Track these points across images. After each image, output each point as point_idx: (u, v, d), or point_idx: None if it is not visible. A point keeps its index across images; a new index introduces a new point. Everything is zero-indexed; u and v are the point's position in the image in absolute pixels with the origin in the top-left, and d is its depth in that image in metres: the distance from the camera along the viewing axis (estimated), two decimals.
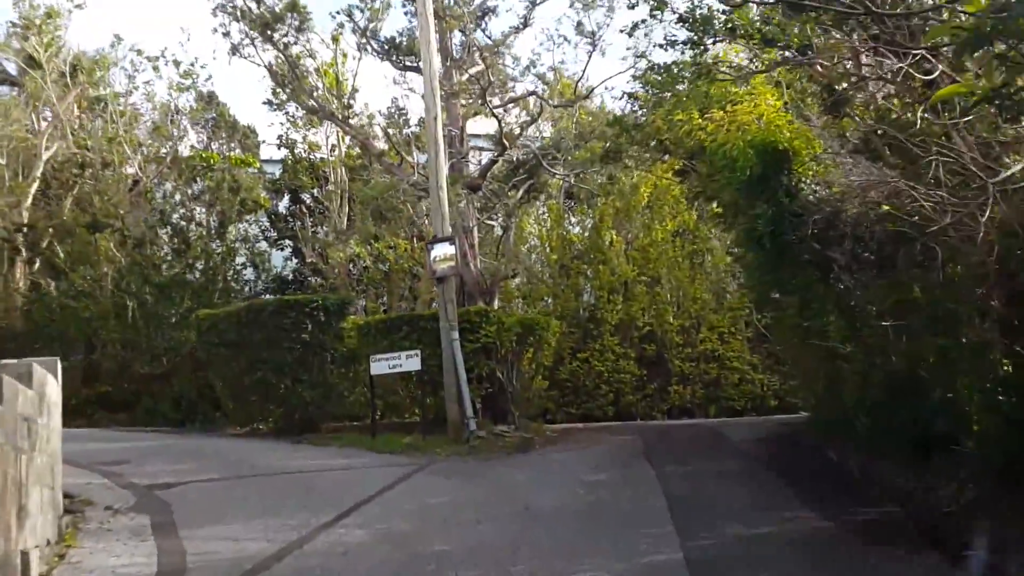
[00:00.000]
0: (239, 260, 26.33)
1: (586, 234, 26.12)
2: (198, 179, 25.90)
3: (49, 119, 25.08)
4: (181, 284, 24.31)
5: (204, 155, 26.41)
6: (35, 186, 25.46)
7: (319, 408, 16.30)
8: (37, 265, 24.64)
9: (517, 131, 18.19)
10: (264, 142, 32.55)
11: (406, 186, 17.30)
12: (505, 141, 17.16)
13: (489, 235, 20.79)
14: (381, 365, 14.84)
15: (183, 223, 25.62)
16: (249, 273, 26.57)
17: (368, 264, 26.45)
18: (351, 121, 17.94)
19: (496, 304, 17.68)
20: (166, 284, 24.20)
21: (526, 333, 16.50)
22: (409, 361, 14.54)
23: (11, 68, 27.28)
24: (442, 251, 14.69)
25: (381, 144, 19.02)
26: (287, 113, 28.31)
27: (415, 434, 14.85)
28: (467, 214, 16.96)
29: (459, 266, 14.69)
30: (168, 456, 12.21)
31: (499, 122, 17.12)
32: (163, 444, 14.14)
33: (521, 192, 19.07)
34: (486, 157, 20.48)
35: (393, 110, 20.76)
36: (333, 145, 27.86)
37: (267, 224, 30.30)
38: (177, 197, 26.57)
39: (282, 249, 31.10)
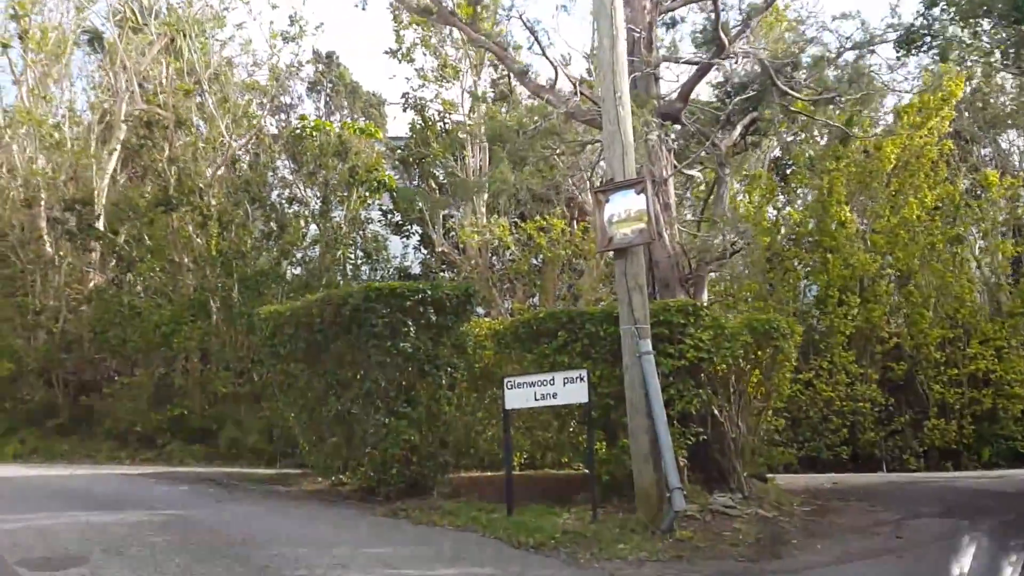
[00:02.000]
0: (350, 248, 22.45)
1: (807, 212, 21.13)
2: (305, 150, 22.16)
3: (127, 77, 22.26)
4: (275, 278, 20.90)
5: (317, 124, 22.71)
6: (114, 158, 22.72)
7: (431, 457, 11.71)
8: (97, 254, 21.67)
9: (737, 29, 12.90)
10: (386, 102, 28.97)
11: (561, 115, 12.39)
12: (723, 36, 11.92)
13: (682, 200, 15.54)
14: (522, 395, 10.16)
15: (281, 201, 22.03)
16: (362, 264, 22.74)
17: (514, 252, 21.83)
18: (480, 23, 13.25)
19: (705, 297, 12.46)
20: (257, 278, 20.76)
21: (758, 343, 11.27)
22: (570, 389, 9.79)
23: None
24: (623, 205, 9.80)
25: (525, 58, 14.22)
26: (413, 62, 24.74)
27: (578, 508, 10.20)
28: (658, 158, 11.86)
29: (652, 230, 9.59)
30: (153, 550, 7.87)
31: (715, 4, 11.93)
32: (173, 517, 9.92)
33: (738, 131, 13.74)
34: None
35: None
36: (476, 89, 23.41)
37: (391, 206, 26.63)
38: (280, 172, 23.00)
39: (407, 237, 27.30)
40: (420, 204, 25.44)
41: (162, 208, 20.74)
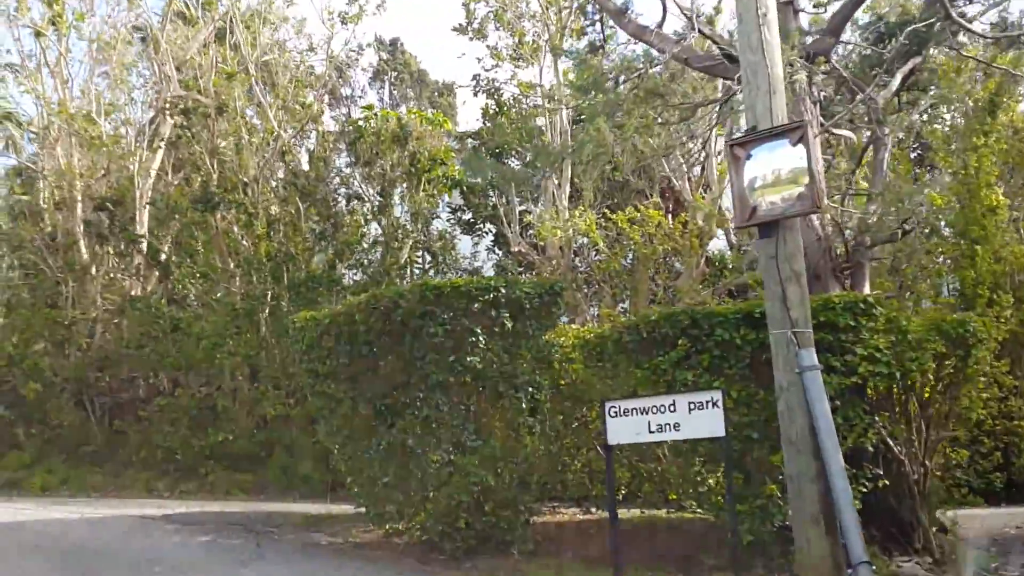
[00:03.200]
0: (411, 247, 20.31)
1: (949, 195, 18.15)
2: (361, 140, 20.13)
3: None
4: (330, 283, 18.90)
5: (384, 114, 20.68)
6: (159, 155, 21.08)
7: (509, 503, 9.35)
8: (137, 260, 19.99)
9: None
10: (454, 85, 26.93)
11: (670, 62, 9.91)
12: None
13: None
14: (630, 425, 7.73)
15: (336, 197, 20.03)
16: (429, 268, 20.59)
17: (603, 250, 19.37)
18: None
19: (867, 291, 9.81)
20: (309, 283, 19.01)
21: (950, 351, 8.60)
22: (697, 417, 7.35)
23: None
24: (771, 162, 7.37)
25: None
26: (485, 38, 22.66)
27: None
28: (804, 110, 9.25)
29: (816, 194, 7.02)
30: None
31: None
32: None
33: (897, 80, 11.06)
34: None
35: None
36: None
37: (460, 202, 24.54)
38: (335, 165, 21.04)
39: (479, 236, 25.13)
40: (493, 198, 23.34)
41: (202, 206, 18.95)
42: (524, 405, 9.65)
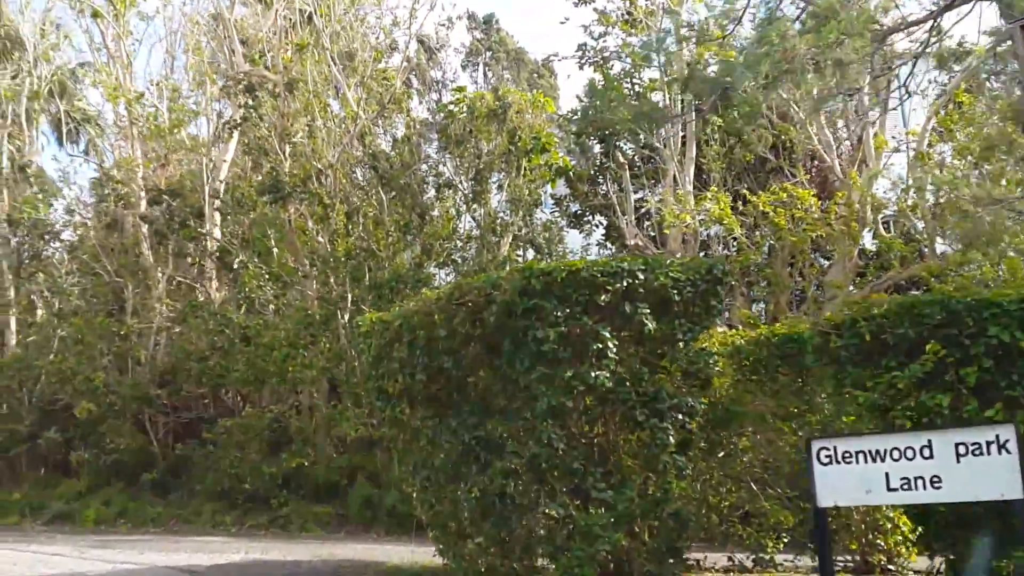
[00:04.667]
0: (511, 240, 17.90)
1: None
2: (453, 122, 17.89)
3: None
4: (417, 283, 16.66)
5: (478, 95, 18.38)
6: (232, 145, 19.34)
7: (651, 571, 6.73)
8: (201, 260, 18.18)
9: None
10: (557, 57, 24.47)
11: None
12: None
13: None
14: (852, 478, 5.03)
15: (422, 185, 17.81)
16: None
17: (740, 240, 16.55)
18: None
19: None
20: (393, 284, 16.87)
21: None
22: (970, 467, 4.47)
23: None
24: None
25: None
26: (593, 1, 20.30)
27: None
28: None
29: None
30: None
31: None
32: None
33: None
34: None
35: None
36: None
37: (567, 191, 22.09)
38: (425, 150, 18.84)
39: (588, 230, 22.60)
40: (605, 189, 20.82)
41: (271, 197, 16.93)
42: (671, 438, 7.00)
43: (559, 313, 6.93)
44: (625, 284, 6.87)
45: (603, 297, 6.90)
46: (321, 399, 17.71)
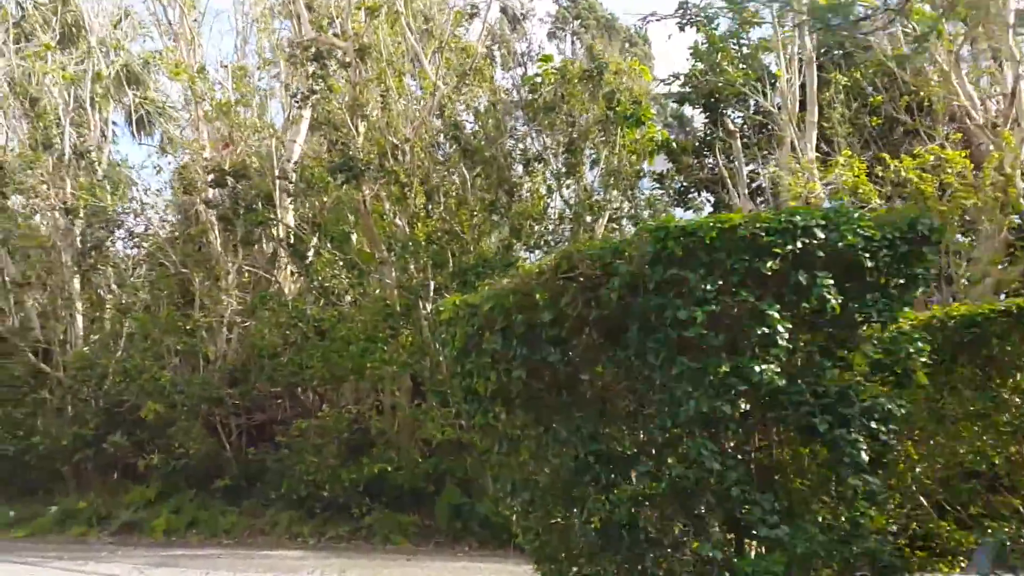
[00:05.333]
0: (609, 219, 16.19)
1: None
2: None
3: None
4: (506, 267, 15.24)
5: (566, 63, 16.75)
6: (304, 126, 18.12)
7: None
8: (270, 247, 16.95)
9: None
10: (654, 17, 22.53)
11: None
12: None
13: None
14: None
15: (509, 160, 16.24)
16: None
17: (876, 209, 14.48)
18: None
19: None
20: (479, 269, 15.37)
21: None
22: None
23: None
24: None
25: None
26: None
27: None
28: None
29: None
30: None
31: None
32: None
33: None
34: None
35: None
36: None
37: (669, 166, 20.24)
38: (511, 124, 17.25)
39: (698, 206, 20.69)
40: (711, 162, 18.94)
41: (343, 176, 15.54)
42: (862, 453, 5.20)
43: (707, 286, 5.21)
44: (799, 245, 5.11)
45: (768, 264, 5.16)
46: (403, 398, 16.28)
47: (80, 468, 17.29)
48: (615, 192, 16.05)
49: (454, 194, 16.23)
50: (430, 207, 16.00)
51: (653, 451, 5.62)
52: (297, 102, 16.65)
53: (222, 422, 16.72)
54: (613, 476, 5.86)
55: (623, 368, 5.78)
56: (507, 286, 6.71)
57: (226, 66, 19.40)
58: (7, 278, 17.80)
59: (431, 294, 15.84)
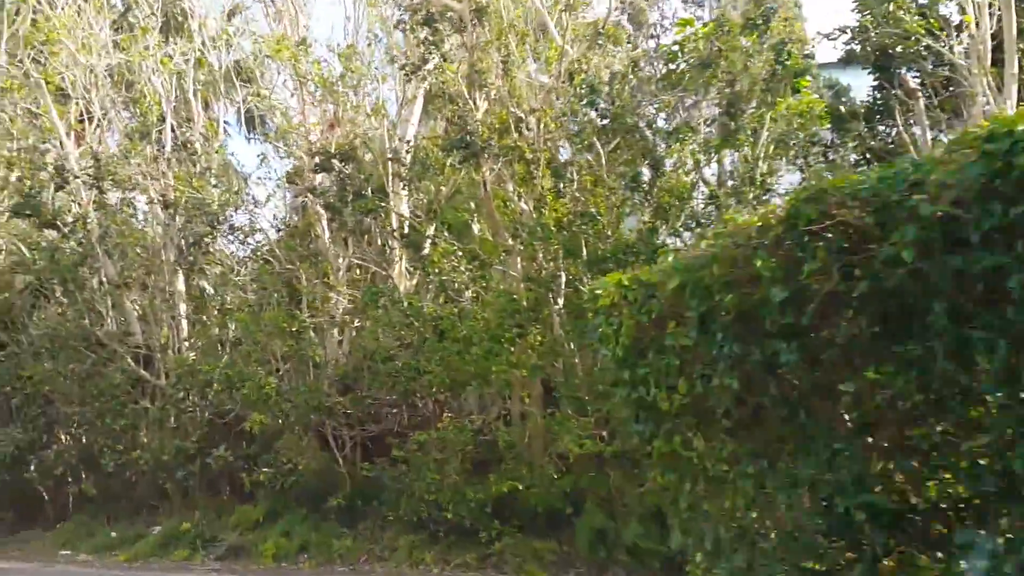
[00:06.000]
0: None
1: None
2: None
3: None
4: (651, 254, 13.22)
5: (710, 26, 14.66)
6: (417, 105, 16.61)
7: None
8: (379, 237, 15.37)
9: None
10: None
11: None
12: None
13: None
14: None
15: (651, 126, 14.22)
16: None
17: None
18: None
19: None
20: (619, 257, 13.20)
21: None
22: None
23: None
24: None
25: None
26: None
27: None
28: None
29: None
30: None
31: None
32: None
33: None
34: None
35: None
36: None
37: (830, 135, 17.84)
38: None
39: None
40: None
41: (461, 155, 13.80)
42: None
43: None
44: None
45: None
46: (534, 406, 14.39)
47: (185, 485, 16.10)
48: (781, 163, 13.77)
49: (587, 171, 14.26)
50: (561, 186, 14.05)
51: (978, 510, 3.49)
52: (408, 74, 14.96)
53: (333, 434, 15.20)
54: (894, 543, 3.74)
55: (915, 372, 3.65)
56: (705, 252, 4.64)
57: (333, 49, 18.06)
58: (105, 279, 16.84)
59: (562, 287, 13.97)
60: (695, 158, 14.32)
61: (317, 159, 14.61)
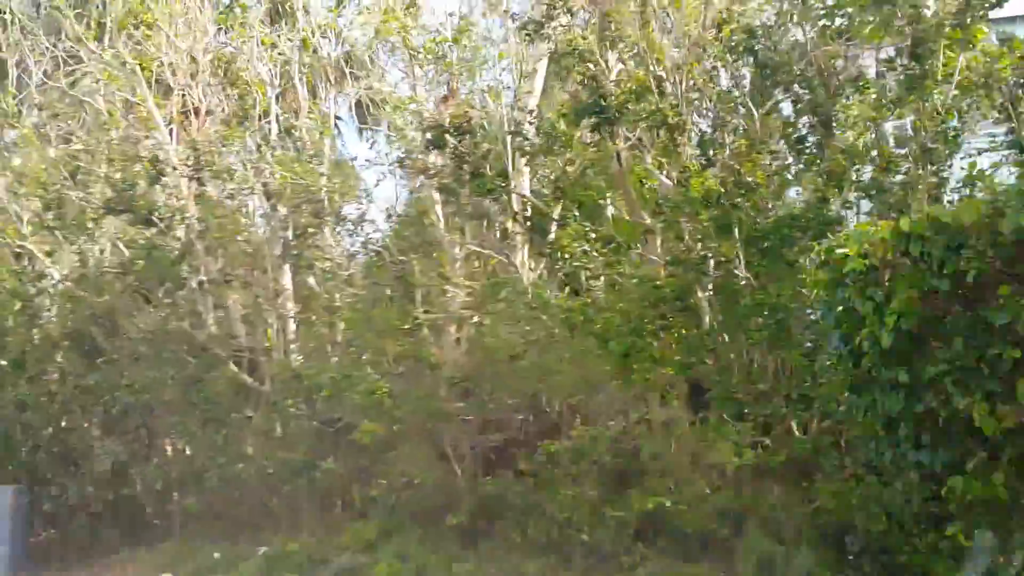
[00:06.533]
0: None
1: None
2: None
3: None
4: (821, 227, 11.42)
5: None
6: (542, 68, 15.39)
7: None
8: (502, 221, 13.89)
9: None
10: None
11: None
12: None
13: None
14: None
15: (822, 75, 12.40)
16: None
17: None
18: None
19: None
20: (784, 233, 11.57)
21: None
22: None
23: None
24: None
25: None
26: None
27: None
28: None
29: None
30: None
31: None
32: None
33: None
34: None
35: None
36: None
37: None
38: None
39: None
40: None
41: (592, 122, 12.19)
42: None
43: None
44: None
45: None
46: (681, 409, 12.53)
47: (292, 501, 14.82)
48: (977, 114, 11.55)
49: (741, 132, 12.34)
50: (711, 152, 12.17)
51: None
52: (530, 35, 13.37)
53: (452, 444, 13.67)
54: None
55: None
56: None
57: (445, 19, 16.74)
58: (205, 277, 15.81)
59: (712, 271, 12.07)
60: (872, 114, 12.24)
61: (429, 135, 13.15)
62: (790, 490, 11.44)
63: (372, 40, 17.72)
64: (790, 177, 12.38)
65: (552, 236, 13.82)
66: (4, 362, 18.09)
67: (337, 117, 20.29)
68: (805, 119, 12.38)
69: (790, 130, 12.22)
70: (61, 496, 17.19)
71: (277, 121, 16.93)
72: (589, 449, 12.50)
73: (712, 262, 12.13)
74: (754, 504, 11.59)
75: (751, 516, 11.55)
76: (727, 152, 12.41)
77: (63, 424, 18.08)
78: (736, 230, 11.81)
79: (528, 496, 12.88)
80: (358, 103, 20.70)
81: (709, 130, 12.89)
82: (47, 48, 18.06)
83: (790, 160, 12.26)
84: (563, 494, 12.42)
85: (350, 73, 18.80)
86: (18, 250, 18.47)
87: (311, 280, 16.18)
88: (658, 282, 12.48)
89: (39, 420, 17.92)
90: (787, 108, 13.09)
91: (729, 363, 11.98)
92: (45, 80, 18.85)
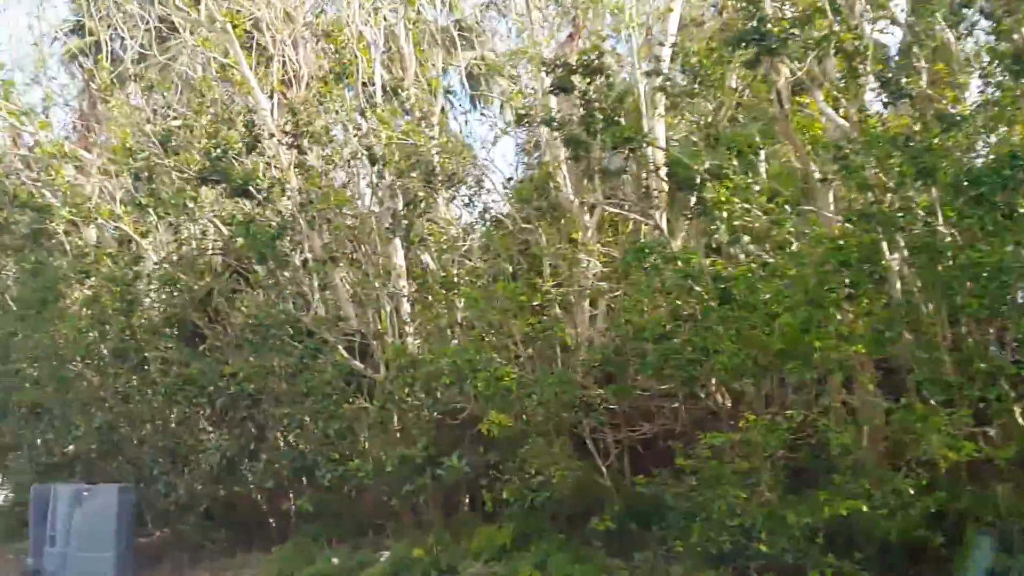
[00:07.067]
0: None
1: None
2: None
3: None
4: None
5: None
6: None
7: None
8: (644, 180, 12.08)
9: None
10: None
11: None
12: None
13: None
14: None
15: None
16: None
17: None
18: None
19: None
20: (1001, 176, 9.34)
21: None
22: None
23: None
24: None
25: None
26: None
27: None
28: None
29: None
30: None
31: None
32: None
33: None
34: None
35: None
36: None
37: None
38: None
39: None
40: None
41: (751, 51, 10.33)
42: None
43: None
44: None
45: None
46: (871, 393, 10.54)
47: (412, 501, 13.44)
48: None
49: (938, 55, 10.21)
50: (904, 79, 10.04)
51: None
52: None
53: (593, 437, 12.02)
54: None
55: None
56: None
57: None
58: (309, 254, 14.43)
59: (903, 224, 10.01)
60: None
61: (554, 76, 11.34)
62: (1021, 490, 9.59)
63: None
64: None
65: (703, 193, 11.97)
66: (105, 351, 17.30)
67: (447, 91, 18.91)
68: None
69: (1007, 46, 9.99)
70: (169, 494, 16.26)
71: (382, 86, 15.51)
72: (762, 442, 10.63)
73: (900, 216, 10.14)
74: (975, 507, 9.84)
75: (971, 522, 9.84)
76: (922, 80, 10.32)
77: (170, 416, 17.29)
78: (938, 172, 9.83)
79: (689, 497, 11.05)
80: (469, 75, 19.31)
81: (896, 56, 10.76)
82: (140, 19, 17.23)
83: (1011, 83, 10.04)
84: (733, 495, 10.66)
85: (459, 36, 17.35)
86: (114, 231, 17.68)
87: (425, 256, 14.73)
88: (841, 242, 10.52)
89: (144, 412, 17.12)
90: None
91: (934, 337, 9.98)
92: (142, 54, 18.08)
